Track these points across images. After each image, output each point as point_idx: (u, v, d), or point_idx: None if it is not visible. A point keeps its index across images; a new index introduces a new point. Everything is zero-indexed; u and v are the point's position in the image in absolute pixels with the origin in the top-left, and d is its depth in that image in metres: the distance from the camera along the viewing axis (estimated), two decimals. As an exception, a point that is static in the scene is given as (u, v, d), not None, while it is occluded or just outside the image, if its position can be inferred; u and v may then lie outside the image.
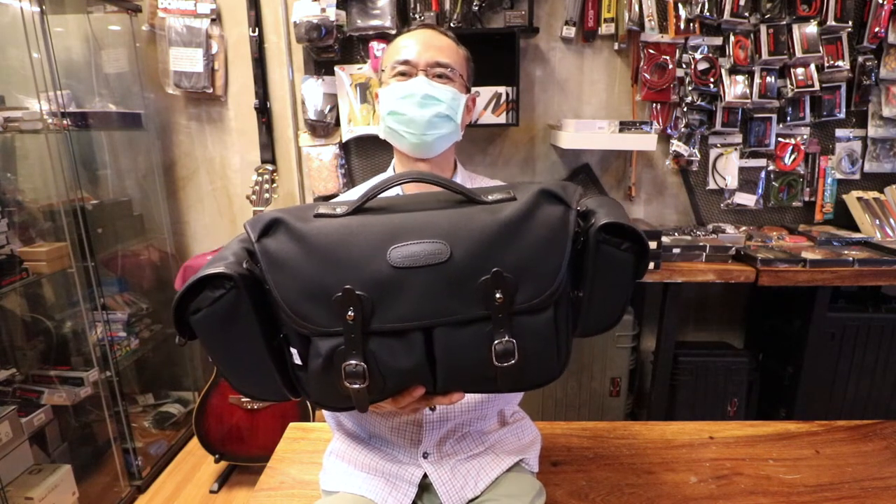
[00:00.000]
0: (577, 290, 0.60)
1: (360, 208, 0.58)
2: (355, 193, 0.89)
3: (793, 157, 2.02)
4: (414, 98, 0.87)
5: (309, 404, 1.89)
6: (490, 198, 0.59)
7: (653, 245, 1.70)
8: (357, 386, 0.55)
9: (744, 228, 2.03)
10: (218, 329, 0.54)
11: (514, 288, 0.54)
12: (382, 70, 0.93)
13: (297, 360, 0.57)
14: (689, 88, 1.94)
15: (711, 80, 1.92)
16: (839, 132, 2.02)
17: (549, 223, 0.56)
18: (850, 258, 1.67)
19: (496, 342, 0.55)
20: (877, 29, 1.85)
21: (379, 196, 0.60)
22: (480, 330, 0.55)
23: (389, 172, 0.99)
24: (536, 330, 0.56)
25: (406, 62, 0.88)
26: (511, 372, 0.56)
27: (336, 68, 1.94)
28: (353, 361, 0.54)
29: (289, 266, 0.54)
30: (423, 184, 0.62)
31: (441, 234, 0.54)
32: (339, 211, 0.58)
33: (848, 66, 1.89)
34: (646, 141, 1.78)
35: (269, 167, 1.92)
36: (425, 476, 0.87)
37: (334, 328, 0.54)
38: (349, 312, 0.53)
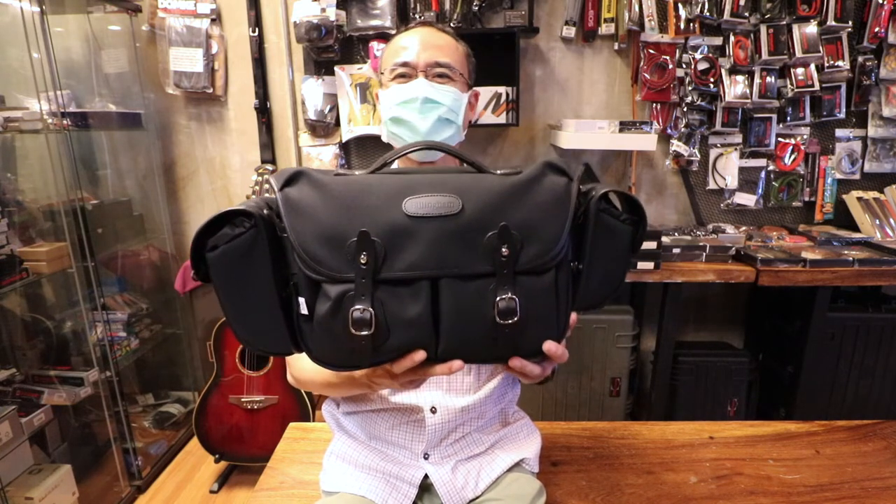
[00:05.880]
0: (576, 263, 0.62)
1: (375, 171, 0.62)
2: None
3: (793, 157, 2.02)
4: (415, 103, 0.86)
5: (309, 405, 1.89)
6: (498, 171, 0.63)
7: (653, 245, 1.70)
8: (364, 333, 0.56)
9: (744, 228, 2.03)
10: (232, 268, 0.56)
11: (520, 245, 0.57)
12: (381, 73, 0.93)
13: (304, 310, 0.58)
14: (689, 88, 1.94)
15: (711, 80, 1.92)
16: (839, 132, 2.02)
17: (554, 189, 0.60)
18: (850, 258, 1.67)
19: (499, 298, 0.57)
20: (877, 29, 1.85)
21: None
22: (485, 285, 0.57)
23: None
24: (538, 291, 0.58)
25: (405, 64, 0.87)
26: (512, 333, 0.58)
27: (336, 68, 1.94)
28: (360, 307, 0.55)
29: (307, 212, 0.57)
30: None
31: (454, 189, 0.58)
32: (357, 173, 0.62)
33: (848, 66, 1.89)
34: (646, 141, 1.78)
35: (269, 167, 1.93)
36: (426, 476, 0.88)
37: (345, 274, 0.56)
38: (362, 257, 0.55)
